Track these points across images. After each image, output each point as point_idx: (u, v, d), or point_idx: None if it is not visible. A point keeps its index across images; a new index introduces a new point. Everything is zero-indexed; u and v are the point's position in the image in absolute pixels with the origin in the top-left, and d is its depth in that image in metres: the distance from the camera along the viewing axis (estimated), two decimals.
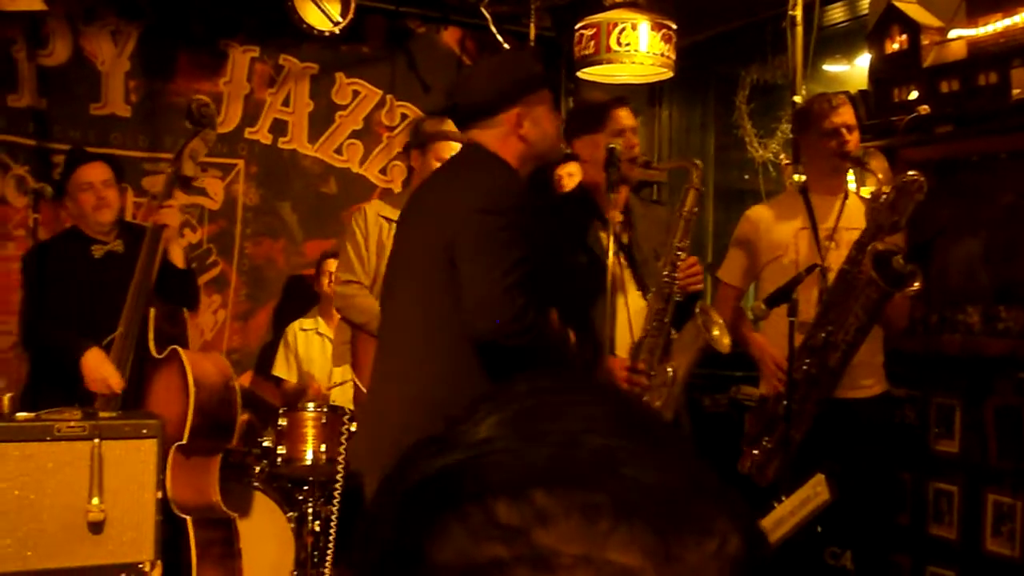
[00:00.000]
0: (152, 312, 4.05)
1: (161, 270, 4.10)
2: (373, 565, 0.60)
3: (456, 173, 3.13)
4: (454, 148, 4.35)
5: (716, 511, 0.58)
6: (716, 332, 3.38)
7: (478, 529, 0.56)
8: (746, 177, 5.80)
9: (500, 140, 3.02)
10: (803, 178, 4.61)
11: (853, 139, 3.69)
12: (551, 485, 0.56)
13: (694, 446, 0.63)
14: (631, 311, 3.46)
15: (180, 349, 4.00)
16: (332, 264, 4.96)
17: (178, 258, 4.22)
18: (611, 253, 3.36)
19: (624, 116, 3.59)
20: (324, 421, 4.51)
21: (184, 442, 3.85)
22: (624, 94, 3.83)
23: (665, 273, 3.42)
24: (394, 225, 4.22)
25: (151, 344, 4.04)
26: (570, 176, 5.35)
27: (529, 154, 3.07)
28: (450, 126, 4.46)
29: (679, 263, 3.41)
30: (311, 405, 4.61)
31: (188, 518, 3.83)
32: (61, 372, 4.00)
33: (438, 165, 4.32)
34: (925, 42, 4.05)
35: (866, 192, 3.89)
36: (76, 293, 4.12)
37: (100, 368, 3.92)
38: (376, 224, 4.21)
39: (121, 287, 4.03)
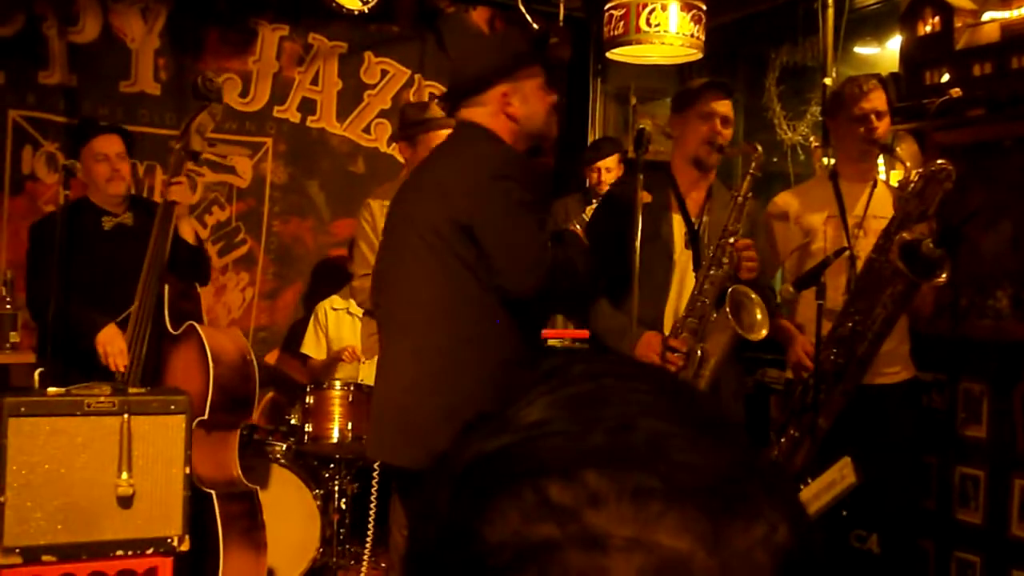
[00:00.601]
0: (167, 289, 4.07)
1: (172, 246, 4.11)
2: (428, 543, 0.61)
3: (455, 151, 3.13)
4: (442, 136, 4.36)
5: (765, 498, 0.58)
6: (758, 316, 3.37)
7: (530, 509, 0.56)
8: (775, 160, 5.76)
9: (490, 118, 3.03)
10: (832, 161, 4.59)
11: (882, 125, 3.66)
12: (603, 467, 0.57)
13: (745, 433, 0.64)
14: (687, 293, 3.49)
15: (197, 325, 4.02)
16: None
17: (189, 234, 4.24)
18: (676, 233, 3.40)
19: (715, 102, 3.59)
20: (351, 399, 4.54)
21: (205, 417, 3.88)
22: (724, 80, 3.82)
23: (711, 254, 3.43)
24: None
25: (167, 320, 4.06)
26: (608, 171, 5.35)
27: (520, 132, 3.07)
28: (434, 112, 4.45)
29: (728, 246, 3.41)
30: (338, 383, 4.63)
31: (213, 492, 3.87)
32: (71, 345, 4.01)
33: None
34: (958, 24, 4.01)
35: (894, 178, 3.86)
36: (85, 264, 4.12)
37: (112, 344, 3.95)
38: (383, 216, 4.23)
39: (130, 260, 4.03)
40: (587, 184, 5.36)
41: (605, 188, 5.34)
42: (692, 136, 3.58)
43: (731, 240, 3.42)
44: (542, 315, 3.06)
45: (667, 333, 3.43)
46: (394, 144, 5.92)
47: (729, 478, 0.58)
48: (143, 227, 4.13)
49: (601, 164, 5.34)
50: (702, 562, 0.55)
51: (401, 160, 5.91)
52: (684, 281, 3.53)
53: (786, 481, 0.61)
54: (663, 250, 3.52)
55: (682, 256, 3.55)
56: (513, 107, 3.04)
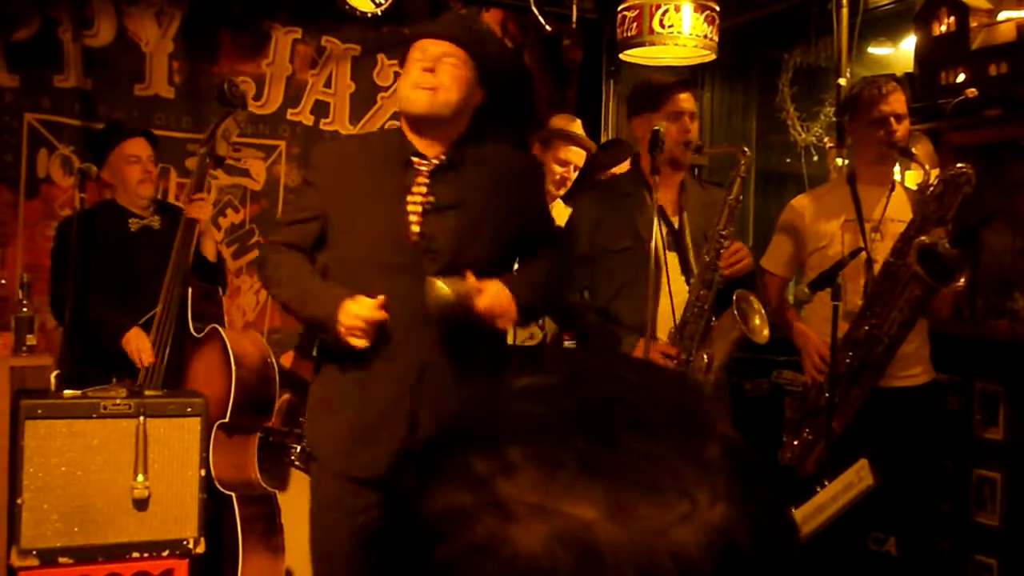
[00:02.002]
0: (189, 292, 4.10)
1: (193, 261, 4.17)
2: (382, 514, 0.64)
3: None
4: (575, 152, 4.41)
5: (700, 478, 0.59)
6: (757, 321, 3.36)
7: (455, 480, 0.59)
8: (788, 161, 5.76)
9: None
10: (846, 162, 4.58)
11: (902, 128, 3.63)
12: (525, 441, 0.59)
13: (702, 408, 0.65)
14: (674, 295, 3.45)
15: (220, 328, 4.04)
16: None
17: (210, 252, 4.29)
18: (656, 236, 3.35)
19: (683, 99, 3.58)
20: None
21: (227, 420, 3.89)
22: (685, 77, 3.80)
23: (708, 259, 3.41)
24: None
25: (190, 323, 4.09)
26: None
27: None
28: (578, 127, 4.50)
29: (722, 250, 3.40)
30: None
31: (233, 495, 3.88)
32: (95, 346, 4.05)
33: (558, 168, 4.41)
34: (973, 24, 4.00)
35: (910, 178, 3.85)
36: (111, 265, 4.17)
37: (137, 341, 4.01)
38: None
39: (155, 262, 4.08)
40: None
41: None
42: (664, 137, 3.53)
43: (726, 244, 3.40)
44: None
45: (657, 337, 3.40)
46: None
47: (652, 454, 0.59)
48: (168, 230, 4.18)
49: (617, 170, 5.32)
50: (608, 533, 0.56)
51: None
52: (669, 284, 3.48)
53: (752, 470, 0.62)
54: (645, 254, 3.48)
55: (664, 257, 3.50)
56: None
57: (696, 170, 5.68)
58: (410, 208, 2.92)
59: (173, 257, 4.06)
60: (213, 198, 5.38)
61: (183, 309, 4.08)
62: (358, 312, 2.80)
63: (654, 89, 3.67)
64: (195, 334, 4.09)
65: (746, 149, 3.52)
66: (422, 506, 0.60)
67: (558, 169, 4.45)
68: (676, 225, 3.58)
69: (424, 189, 2.92)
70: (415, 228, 2.90)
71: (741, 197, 3.46)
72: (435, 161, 2.94)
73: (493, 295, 2.80)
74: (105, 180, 4.34)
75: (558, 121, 4.60)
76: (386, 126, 5.86)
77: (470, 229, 2.90)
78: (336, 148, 3.48)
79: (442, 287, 2.74)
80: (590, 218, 3.63)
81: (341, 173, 3.01)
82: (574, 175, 4.49)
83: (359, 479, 2.93)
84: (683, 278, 3.51)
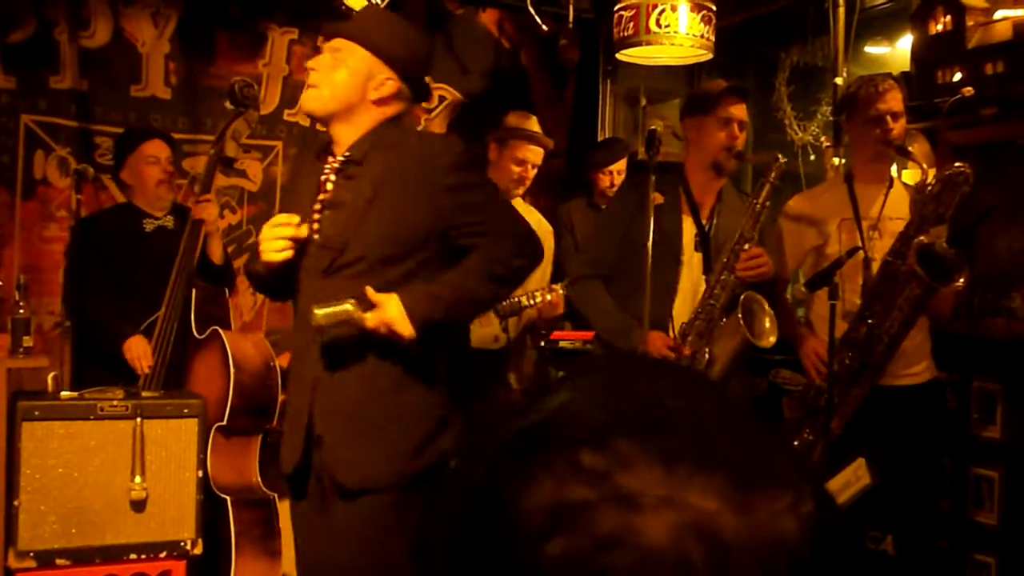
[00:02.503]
0: (194, 293, 4.10)
1: (199, 262, 4.18)
2: (463, 517, 0.64)
3: None
4: (532, 151, 4.39)
5: (792, 471, 0.61)
6: (767, 324, 3.38)
7: (563, 475, 0.59)
8: (785, 160, 5.75)
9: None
10: (843, 161, 4.58)
11: (898, 127, 3.64)
12: (633, 435, 0.60)
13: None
14: (696, 294, 3.48)
15: (221, 330, 4.04)
16: None
17: (216, 254, 4.31)
18: (686, 236, 3.40)
19: (734, 107, 3.61)
20: None
21: (224, 423, 3.88)
22: (743, 86, 3.82)
23: (724, 260, 3.43)
24: None
25: (193, 325, 4.09)
26: (619, 174, 5.33)
27: None
28: (533, 124, 4.47)
29: (741, 252, 3.42)
30: None
31: (228, 499, 3.87)
32: (103, 349, 4.09)
33: (515, 167, 4.37)
34: (970, 23, 4.00)
35: (907, 177, 3.85)
36: (125, 265, 4.21)
37: (137, 348, 4.03)
38: None
39: (168, 263, 4.10)
40: (597, 188, 5.32)
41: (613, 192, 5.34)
42: (710, 141, 3.59)
43: (745, 247, 3.42)
44: None
45: (673, 334, 3.43)
46: None
47: (754, 448, 0.62)
48: (182, 231, 4.19)
49: (613, 168, 5.32)
50: (730, 523, 0.57)
51: None
52: (693, 283, 3.52)
53: (807, 458, 0.65)
54: (672, 251, 3.53)
55: (691, 258, 3.55)
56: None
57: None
58: (314, 207, 2.89)
59: (179, 257, 4.09)
60: (220, 184, 5.39)
61: (187, 311, 4.09)
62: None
63: (709, 95, 3.70)
64: (197, 336, 4.10)
65: (780, 156, 3.54)
66: (519, 503, 0.59)
67: (515, 168, 4.39)
68: (707, 227, 3.61)
69: (329, 187, 2.90)
70: (315, 227, 2.87)
71: (768, 203, 3.48)
72: (340, 158, 2.91)
73: (380, 314, 2.71)
74: (125, 181, 4.39)
75: (514, 119, 4.55)
76: None
77: (355, 226, 2.82)
78: (301, 151, 3.55)
79: (316, 314, 2.69)
80: (626, 209, 3.67)
81: (294, 175, 3.11)
82: (532, 173, 4.44)
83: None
84: (704, 278, 3.55)
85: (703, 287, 3.51)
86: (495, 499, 0.61)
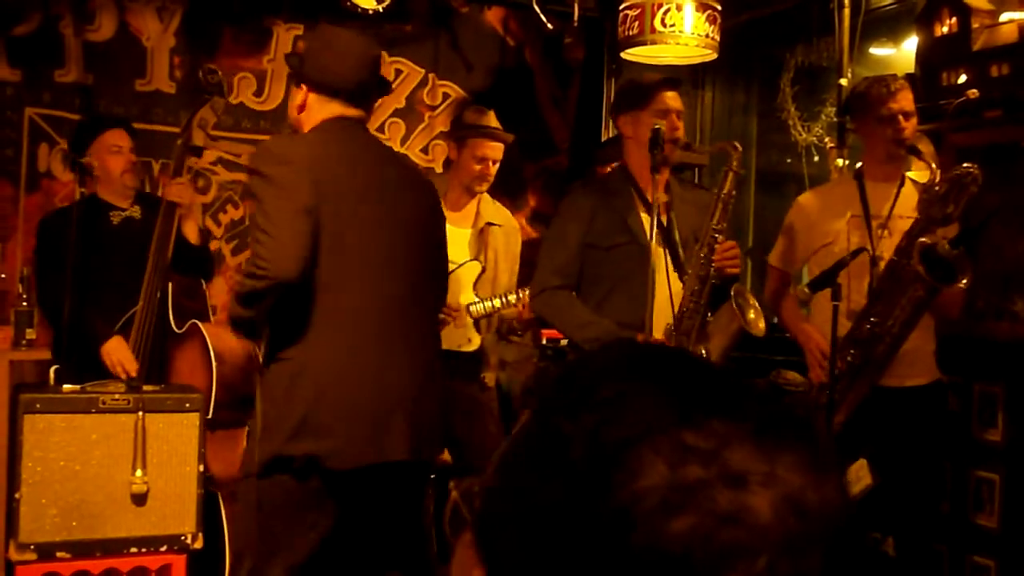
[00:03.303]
0: (171, 287, 4.07)
1: (176, 246, 4.11)
2: (554, 504, 0.65)
3: (393, 155, 3.43)
4: (491, 147, 4.36)
5: (830, 447, 0.66)
6: (752, 315, 3.37)
7: (673, 455, 0.62)
8: (789, 161, 5.75)
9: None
10: (847, 163, 4.58)
11: (910, 126, 3.63)
12: (720, 414, 0.63)
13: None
14: (670, 293, 3.45)
15: (200, 323, 4.01)
16: None
17: (192, 234, 4.26)
18: (651, 234, 3.34)
19: (670, 97, 3.58)
20: None
21: (209, 416, 3.85)
22: (676, 76, 3.79)
23: (702, 255, 3.41)
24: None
25: (171, 319, 4.06)
26: None
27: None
28: (491, 120, 4.44)
29: (716, 245, 3.40)
30: None
31: (219, 493, 3.86)
32: (81, 346, 4.01)
33: (475, 165, 4.34)
34: (975, 25, 3.99)
35: (914, 174, 3.83)
36: (95, 259, 4.12)
37: (117, 353, 3.96)
38: None
39: (139, 253, 4.04)
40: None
41: None
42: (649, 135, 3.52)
43: (719, 239, 3.41)
44: None
45: (653, 335, 3.39)
46: (408, 143, 5.92)
47: (813, 428, 0.66)
48: (150, 221, 4.14)
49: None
50: (813, 496, 0.62)
51: (418, 159, 5.92)
52: (662, 280, 3.47)
53: (830, 437, 0.69)
54: (636, 251, 3.48)
55: (656, 255, 3.49)
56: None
57: (696, 170, 5.70)
58: None
59: (152, 248, 4.02)
60: (213, 195, 5.38)
61: (164, 305, 4.06)
62: None
63: (641, 88, 3.66)
64: (176, 330, 4.06)
65: (737, 144, 3.51)
66: (631, 484, 0.61)
67: (476, 166, 4.35)
68: (665, 222, 3.58)
69: None
70: None
71: (734, 192, 3.45)
72: None
73: None
74: (89, 169, 4.26)
75: (471, 116, 4.51)
76: (387, 123, 5.87)
77: None
78: None
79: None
80: (582, 215, 3.63)
81: None
82: (494, 169, 4.41)
83: None
84: (676, 274, 3.51)
85: (675, 284, 3.47)
86: (601, 481, 0.63)
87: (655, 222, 3.38)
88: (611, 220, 3.58)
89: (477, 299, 4.28)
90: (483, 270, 4.35)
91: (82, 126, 4.53)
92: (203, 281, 4.32)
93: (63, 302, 3.93)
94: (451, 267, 4.23)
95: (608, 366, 0.69)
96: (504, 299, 4.30)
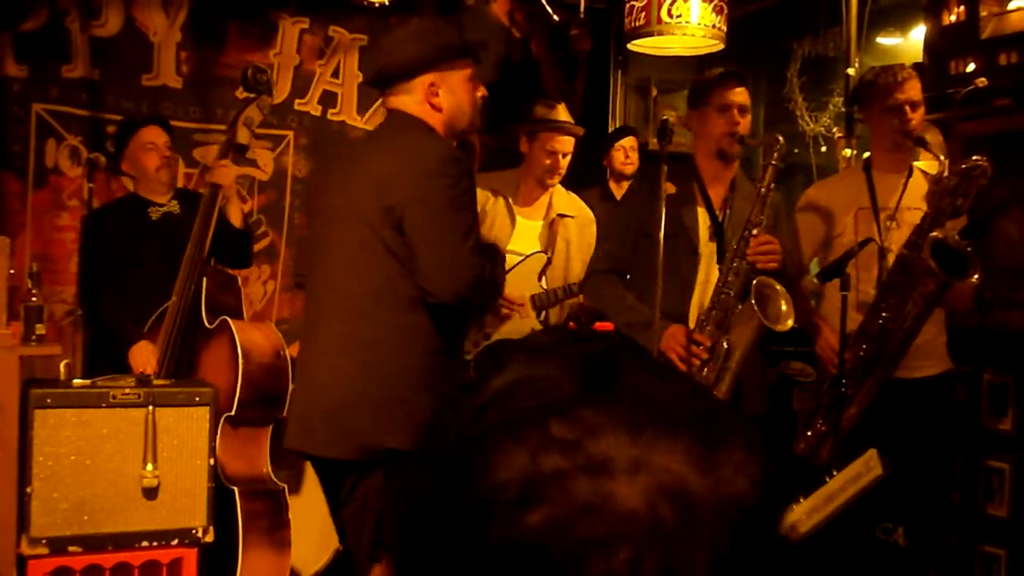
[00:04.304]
0: (205, 282, 4.09)
1: (218, 229, 4.14)
2: (426, 495, 0.65)
3: (391, 140, 3.15)
4: (561, 140, 4.40)
5: (738, 433, 0.63)
6: (783, 307, 3.36)
7: (535, 446, 0.60)
8: (797, 151, 5.75)
9: (417, 107, 3.07)
10: (855, 153, 4.57)
11: (917, 116, 3.61)
12: (596, 405, 0.61)
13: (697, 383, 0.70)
14: (711, 286, 3.48)
15: (230, 320, 4.02)
16: None
17: (236, 217, 4.29)
18: (701, 226, 3.39)
19: (732, 93, 3.60)
20: None
21: (232, 413, 3.87)
22: (738, 71, 3.81)
23: (735, 247, 3.42)
24: (500, 198, 4.32)
25: (203, 314, 4.08)
26: (632, 150, 5.36)
27: (446, 123, 3.11)
28: (561, 113, 4.49)
29: (751, 239, 3.40)
30: None
31: (236, 489, 3.87)
32: (111, 345, 4.09)
33: (546, 158, 4.38)
34: (983, 14, 3.99)
35: (923, 164, 3.82)
36: (136, 256, 4.19)
37: (142, 357, 4.00)
38: (483, 195, 4.34)
39: (179, 248, 4.08)
40: (613, 168, 5.37)
41: (630, 169, 5.36)
42: (713, 129, 3.58)
43: (754, 232, 3.41)
44: (465, 310, 3.11)
45: (692, 326, 3.42)
46: None
47: (707, 412, 0.63)
48: (189, 216, 4.17)
49: (624, 143, 5.36)
50: (696, 483, 0.59)
51: None
52: (709, 274, 3.52)
53: (747, 422, 0.67)
54: (687, 243, 3.53)
55: (707, 249, 3.54)
56: (439, 97, 3.07)
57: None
58: None
59: (190, 243, 4.05)
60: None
61: (197, 300, 4.08)
62: None
63: (705, 83, 3.70)
64: (207, 325, 4.08)
65: (780, 137, 3.52)
66: (492, 474, 0.60)
67: (547, 160, 4.42)
68: (720, 218, 3.60)
69: None
70: None
71: (773, 185, 3.46)
72: None
73: None
74: (126, 172, 4.37)
75: (541, 110, 4.57)
76: None
77: None
78: None
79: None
80: (641, 204, 3.66)
81: None
82: (564, 162, 4.47)
83: None
84: (719, 267, 3.54)
85: (717, 278, 3.50)
86: (466, 472, 0.61)
87: (707, 215, 3.45)
88: (669, 211, 3.59)
89: (543, 290, 4.31)
90: (548, 261, 4.38)
91: (117, 130, 4.58)
92: (238, 276, 4.33)
93: (102, 299, 4.04)
94: (515, 260, 4.28)
95: (525, 351, 0.68)
96: (568, 289, 4.33)
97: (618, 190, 5.35)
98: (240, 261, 4.40)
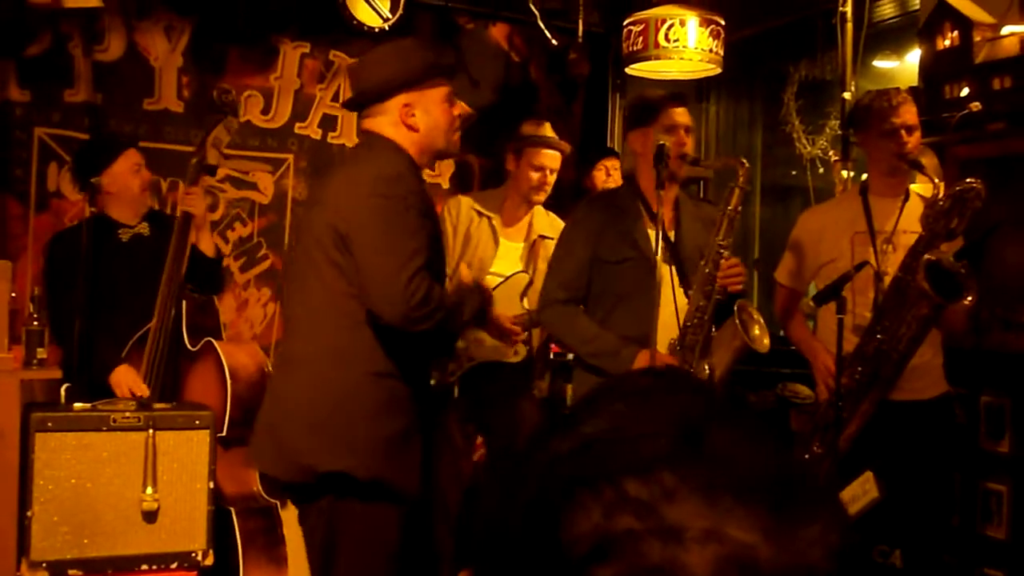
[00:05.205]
0: (184, 304, 4.09)
1: (191, 260, 4.12)
2: (509, 539, 0.66)
3: (353, 161, 3.18)
4: (549, 156, 4.42)
5: (820, 502, 0.64)
6: (756, 331, 3.37)
7: (610, 504, 0.61)
8: (794, 173, 5.77)
9: (392, 128, 3.03)
10: (851, 175, 4.59)
11: (913, 140, 3.63)
12: (676, 466, 0.62)
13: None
14: (675, 308, 3.45)
15: (214, 341, 4.03)
16: None
17: (208, 247, 4.26)
18: (658, 250, 3.36)
19: (677, 113, 3.59)
20: None
21: (223, 434, 3.86)
22: (680, 91, 3.82)
23: (707, 271, 3.42)
24: (483, 219, 4.32)
25: (185, 337, 4.08)
26: (615, 169, 5.39)
27: (422, 144, 3.06)
28: (547, 130, 4.50)
29: (721, 261, 3.41)
30: None
31: (232, 509, 3.88)
32: (91, 368, 4.01)
33: (533, 174, 4.39)
34: (977, 38, 4.01)
35: (919, 188, 3.85)
36: (105, 277, 4.11)
37: (126, 381, 3.95)
38: (468, 216, 4.30)
39: (149, 270, 4.05)
40: (593, 189, 5.37)
41: (612, 187, 5.36)
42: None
43: (724, 254, 3.42)
44: (422, 335, 2.97)
45: (658, 349, 3.40)
46: None
47: (787, 480, 0.64)
48: (160, 238, 4.17)
49: (606, 163, 5.38)
50: (767, 554, 0.59)
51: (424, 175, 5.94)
52: (668, 296, 3.49)
53: (831, 487, 0.67)
54: (644, 265, 3.49)
55: (662, 270, 3.51)
56: (415, 118, 3.03)
57: (701, 184, 5.72)
58: None
59: (167, 264, 4.02)
60: (221, 213, 5.41)
61: (178, 323, 4.06)
62: None
63: (649, 103, 3.68)
64: (190, 348, 4.08)
65: (744, 160, 3.52)
66: (568, 527, 0.61)
67: (534, 175, 4.41)
68: (672, 238, 3.60)
69: None
70: None
71: (740, 208, 3.46)
72: None
73: None
74: (104, 190, 4.25)
75: (528, 128, 4.58)
76: None
77: None
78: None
79: None
80: (590, 229, 3.65)
81: None
82: (552, 179, 4.46)
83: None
84: (682, 290, 3.52)
85: (680, 299, 3.48)
86: (542, 520, 0.63)
87: (661, 237, 3.39)
88: (619, 235, 3.59)
89: (524, 311, 4.32)
90: (531, 282, 4.39)
91: (94, 148, 4.55)
92: (215, 297, 4.34)
93: (73, 322, 3.94)
94: (497, 280, 4.29)
95: (621, 397, 0.69)
96: None
97: None
98: (211, 288, 4.35)
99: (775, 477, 0.63)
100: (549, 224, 4.54)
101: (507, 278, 4.37)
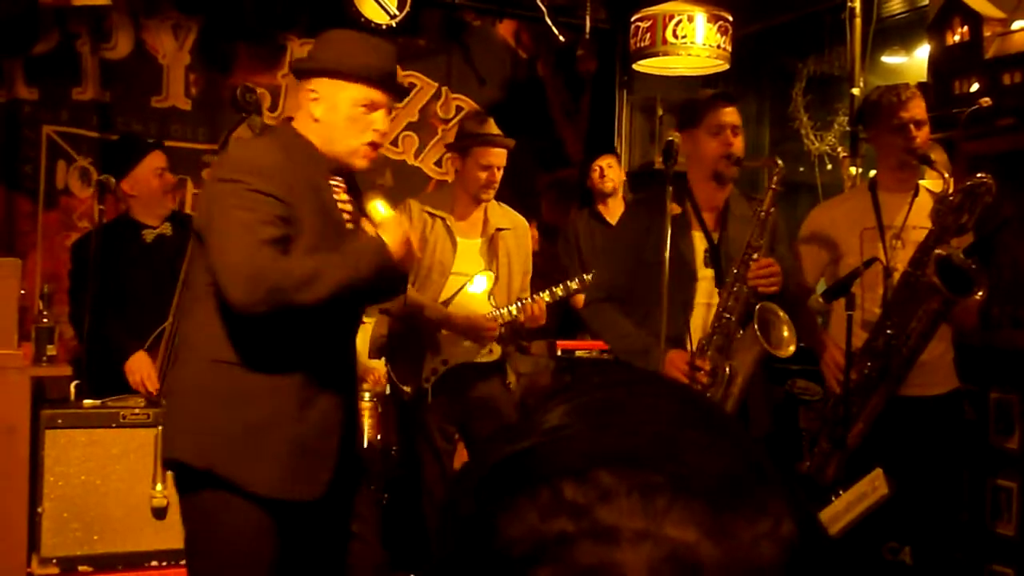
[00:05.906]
0: None
1: None
2: (453, 541, 0.65)
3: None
4: (495, 153, 4.35)
5: (769, 494, 0.62)
6: (785, 333, 3.35)
7: (546, 507, 0.60)
8: (802, 170, 5.76)
9: (299, 111, 2.87)
10: (860, 171, 4.59)
11: (922, 135, 3.62)
12: (613, 467, 0.61)
13: (750, 434, 0.68)
14: (712, 309, 3.46)
15: None
16: None
17: None
18: (697, 250, 3.38)
19: (723, 113, 3.57)
20: (379, 409, 4.56)
21: None
22: (730, 91, 3.79)
23: (736, 271, 3.41)
24: (437, 220, 4.26)
25: None
26: (609, 167, 5.37)
27: (322, 137, 2.81)
28: (491, 127, 4.45)
29: (751, 263, 3.39)
30: (366, 394, 4.65)
31: None
32: (111, 362, 4.06)
33: (480, 172, 4.31)
34: (987, 33, 4.00)
35: (928, 183, 3.84)
36: (128, 277, 4.18)
37: (141, 370, 3.98)
38: (421, 219, 4.25)
39: (171, 270, 4.08)
40: (596, 189, 5.36)
41: (609, 186, 5.35)
42: (707, 151, 3.56)
43: (755, 256, 3.40)
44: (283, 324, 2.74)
45: (691, 351, 3.40)
46: (421, 156, 5.96)
47: (732, 475, 0.62)
48: (183, 238, 4.18)
49: (599, 162, 5.36)
50: (709, 552, 0.58)
51: (432, 172, 5.95)
52: (707, 298, 3.50)
53: (789, 479, 0.65)
54: (685, 267, 3.50)
55: (704, 272, 3.52)
56: (316, 104, 2.80)
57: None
58: None
59: (185, 263, 4.04)
60: None
61: None
62: None
63: (696, 105, 3.68)
64: None
65: (779, 161, 3.50)
66: (505, 531, 0.61)
67: (482, 175, 4.30)
68: (716, 239, 3.58)
69: None
70: None
71: (773, 209, 3.46)
72: None
73: None
74: (126, 192, 4.34)
75: (471, 125, 4.52)
76: (400, 136, 5.90)
77: None
78: None
79: None
80: (637, 230, 3.64)
81: None
82: (499, 175, 4.37)
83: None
84: (719, 291, 3.51)
85: (715, 301, 3.48)
86: (482, 524, 0.63)
87: (703, 238, 3.42)
88: (664, 236, 3.58)
89: (495, 309, 4.28)
90: (496, 279, 4.36)
91: (120, 148, 4.57)
92: None
93: (95, 317, 4.00)
94: (461, 280, 4.26)
95: (561, 400, 0.68)
96: (520, 304, 4.31)
97: (604, 209, 5.34)
98: None
99: (717, 473, 0.62)
100: (503, 215, 4.45)
101: (472, 278, 4.32)
